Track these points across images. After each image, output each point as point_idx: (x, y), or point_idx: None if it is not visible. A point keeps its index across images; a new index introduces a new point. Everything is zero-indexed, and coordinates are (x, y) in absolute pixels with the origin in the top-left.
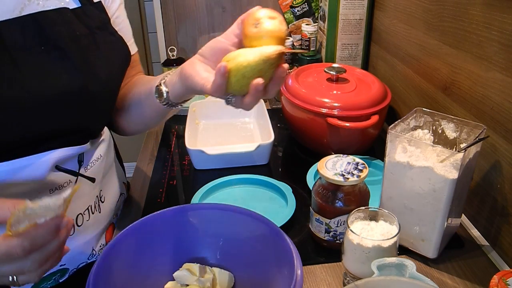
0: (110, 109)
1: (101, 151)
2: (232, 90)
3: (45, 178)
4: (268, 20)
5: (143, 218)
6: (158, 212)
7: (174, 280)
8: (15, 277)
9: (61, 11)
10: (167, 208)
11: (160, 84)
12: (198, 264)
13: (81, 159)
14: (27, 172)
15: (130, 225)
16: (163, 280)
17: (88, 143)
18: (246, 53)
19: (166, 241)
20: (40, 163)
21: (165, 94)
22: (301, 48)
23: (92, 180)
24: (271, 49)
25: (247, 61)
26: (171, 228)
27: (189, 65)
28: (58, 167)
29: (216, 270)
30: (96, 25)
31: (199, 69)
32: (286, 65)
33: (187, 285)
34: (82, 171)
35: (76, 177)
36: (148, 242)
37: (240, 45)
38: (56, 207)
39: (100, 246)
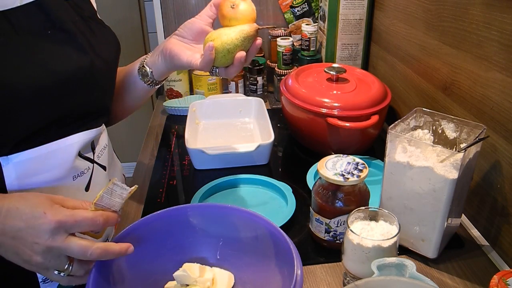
0: (113, 87)
1: (105, 140)
2: (218, 64)
3: (71, 164)
4: (242, 2)
5: (143, 218)
6: (158, 212)
7: (174, 280)
8: (70, 266)
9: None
10: (167, 208)
11: (144, 66)
12: (198, 264)
13: (93, 146)
14: (55, 158)
15: (130, 225)
16: (163, 280)
17: (101, 126)
18: (228, 32)
19: (166, 241)
20: (66, 148)
21: (149, 74)
22: (302, 48)
23: (104, 168)
24: (249, 27)
25: (230, 39)
26: (171, 228)
27: (172, 45)
28: (80, 154)
29: (216, 270)
30: (87, 15)
31: (183, 48)
32: (260, 39)
33: (187, 285)
34: (95, 158)
35: (93, 164)
36: (148, 242)
37: (212, 24)
38: (124, 197)
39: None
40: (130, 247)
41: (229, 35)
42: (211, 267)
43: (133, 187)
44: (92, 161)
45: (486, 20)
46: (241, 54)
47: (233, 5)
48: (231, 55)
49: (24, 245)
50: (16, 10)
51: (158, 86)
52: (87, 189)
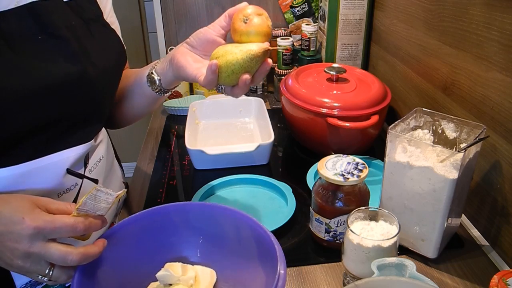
0: (110, 98)
1: (101, 151)
2: (223, 83)
3: (58, 181)
4: (256, 17)
5: (122, 220)
6: (136, 214)
7: (156, 280)
8: (51, 271)
9: (55, 1)
10: (145, 210)
11: (152, 73)
12: (180, 263)
13: (86, 161)
14: (40, 175)
15: (110, 228)
16: (146, 281)
17: (93, 140)
18: (234, 50)
19: (146, 242)
20: (51, 165)
21: (157, 82)
22: (302, 48)
23: (96, 181)
24: (257, 48)
25: (235, 59)
26: (150, 229)
27: (180, 55)
28: (68, 170)
29: (198, 267)
30: (89, 17)
31: (190, 60)
32: (270, 60)
33: (170, 284)
34: (87, 173)
35: (81, 180)
36: (129, 244)
37: (225, 36)
38: (110, 202)
39: None
40: (105, 241)
41: (234, 55)
42: (193, 265)
43: (120, 192)
44: (81, 176)
45: (486, 20)
46: (246, 76)
47: (246, 19)
48: (236, 76)
49: (5, 249)
50: (7, 13)
51: (168, 94)
52: None
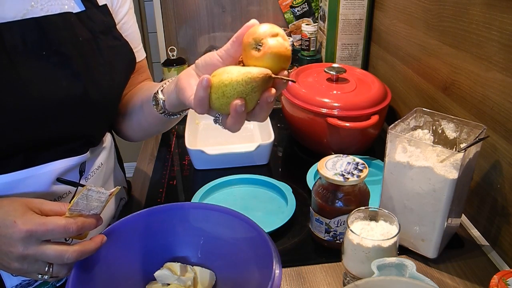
0: (111, 116)
1: (101, 159)
2: (213, 107)
3: (47, 190)
4: (270, 39)
5: (122, 218)
6: (136, 213)
7: (155, 280)
8: (51, 268)
9: (65, 16)
10: (147, 209)
11: (158, 92)
12: (179, 263)
13: (82, 169)
14: (29, 184)
15: (110, 226)
16: (145, 279)
17: (88, 152)
18: (232, 71)
19: (146, 241)
20: (41, 175)
21: (161, 103)
22: (302, 48)
23: None
24: (256, 72)
25: (229, 79)
26: (151, 228)
27: (184, 77)
28: (59, 179)
29: (197, 269)
30: (100, 30)
31: (192, 83)
32: (273, 90)
33: (168, 284)
34: (82, 181)
35: (76, 188)
36: (129, 242)
37: (234, 63)
38: (104, 200)
39: None
40: (104, 238)
41: (230, 75)
42: (192, 266)
43: (113, 189)
44: (76, 184)
45: (486, 20)
46: (236, 102)
47: (259, 44)
48: (227, 100)
49: (1, 253)
50: (12, 25)
51: (177, 117)
52: None
